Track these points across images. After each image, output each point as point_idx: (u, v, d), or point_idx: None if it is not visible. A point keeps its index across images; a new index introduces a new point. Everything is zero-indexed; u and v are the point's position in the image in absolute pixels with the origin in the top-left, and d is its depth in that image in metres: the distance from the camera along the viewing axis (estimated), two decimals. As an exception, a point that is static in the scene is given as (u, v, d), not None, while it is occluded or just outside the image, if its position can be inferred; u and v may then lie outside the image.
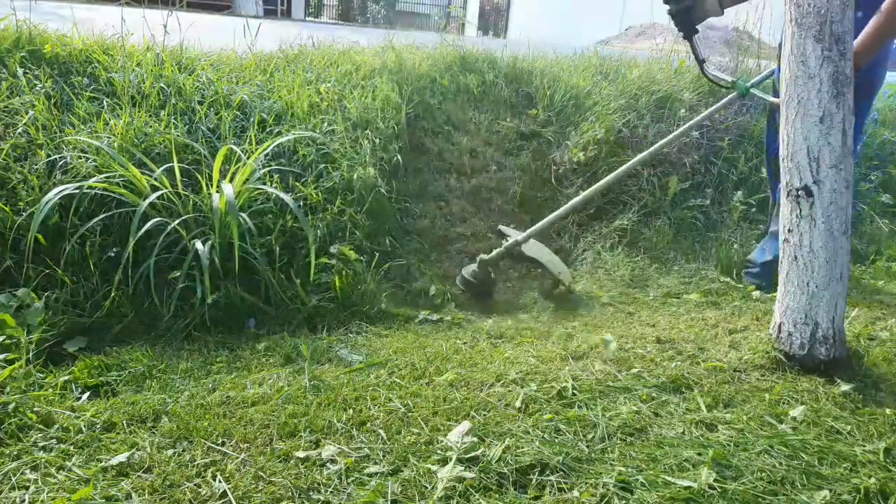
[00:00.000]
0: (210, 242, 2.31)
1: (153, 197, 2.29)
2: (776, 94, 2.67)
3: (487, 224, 3.32)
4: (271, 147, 2.71)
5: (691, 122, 3.02)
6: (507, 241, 2.91)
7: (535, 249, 2.98)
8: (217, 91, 3.02)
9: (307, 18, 14.34)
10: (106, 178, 2.33)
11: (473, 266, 2.90)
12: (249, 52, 3.55)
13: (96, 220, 2.28)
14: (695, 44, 2.71)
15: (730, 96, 2.89)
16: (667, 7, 2.62)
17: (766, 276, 2.77)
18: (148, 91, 2.86)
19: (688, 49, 2.81)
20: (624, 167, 2.97)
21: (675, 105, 3.86)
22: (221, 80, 3.12)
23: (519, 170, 3.55)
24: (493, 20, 16.88)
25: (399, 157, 3.20)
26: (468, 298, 2.87)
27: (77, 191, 2.28)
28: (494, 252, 2.86)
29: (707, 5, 2.57)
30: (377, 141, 3.15)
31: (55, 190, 2.22)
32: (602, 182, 2.95)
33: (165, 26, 3.12)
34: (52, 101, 2.68)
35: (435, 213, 3.27)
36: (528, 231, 2.92)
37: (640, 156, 2.97)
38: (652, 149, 2.99)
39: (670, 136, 3.02)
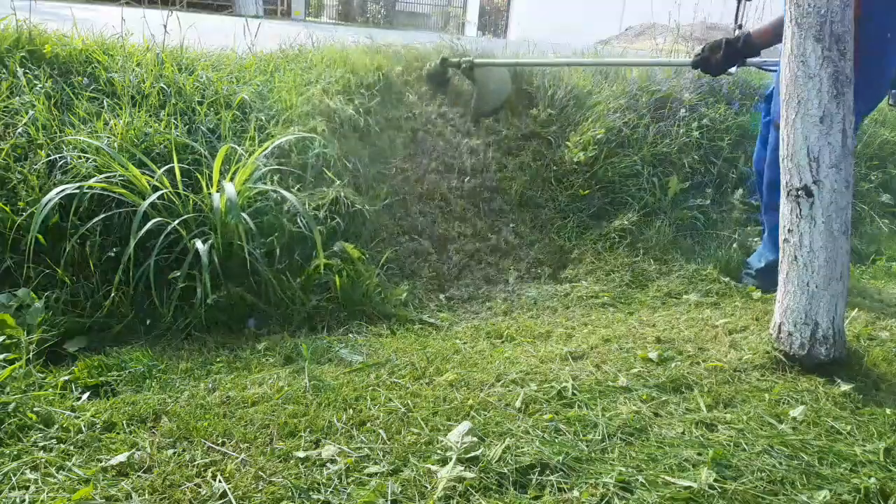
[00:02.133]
0: (210, 242, 2.31)
1: (153, 197, 2.28)
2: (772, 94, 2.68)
3: (487, 223, 3.32)
4: (271, 147, 2.71)
5: (651, 60, 3.33)
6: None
7: (487, 76, 3.56)
8: (217, 91, 3.02)
9: (307, 18, 14.33)
10: (106, 178, 2.33)
11: (437, 61, 3.68)
12: (249, 52, 3.55)
13: (96, 220, 2.28)
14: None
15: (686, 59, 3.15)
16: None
17: (763, 280, 2.77)
18: (148, 91, 2.86)
19: (688, 49, 2.82)
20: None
21: (675, 105, 3.86)
22: (221, 81, 3.12)
23: (519, 169, 3.55)
24: (493, 20, 16.87)
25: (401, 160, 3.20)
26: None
27: (77, 191, 2.27)
28: (455, 59, 3.62)
29: None
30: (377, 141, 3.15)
31: (55, 190, 2.21)
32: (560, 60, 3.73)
33: (165, 26, 3.12)
34: (52, 101, 2.68)
35: (435, 213, 3.27)
36: (487, 61, 3.63)
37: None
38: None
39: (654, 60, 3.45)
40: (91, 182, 2.29)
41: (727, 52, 2.56)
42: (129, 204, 2.34)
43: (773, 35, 2.43)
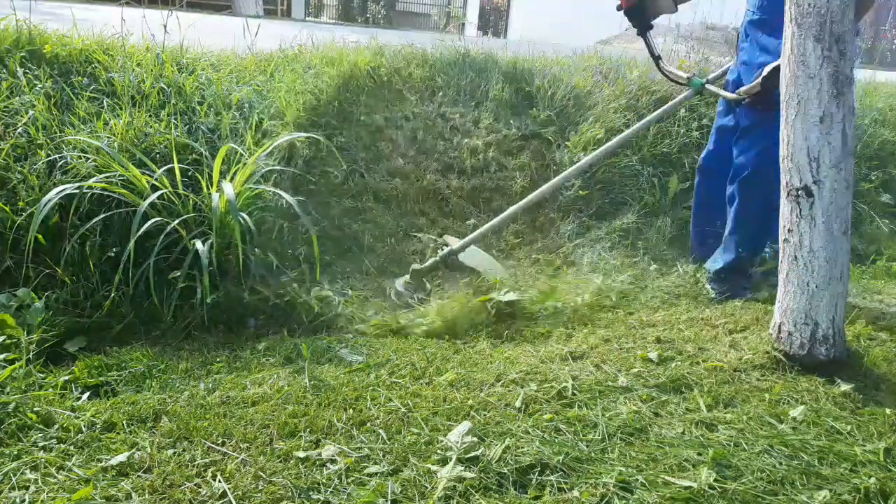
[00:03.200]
0: (210, 242, 2.31)
1: (153, 197, 2.28)
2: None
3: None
4: (271, 147, 2.71)
5: (638, 124, 2.97)
6: (442, 249, 2.80)
7: (474, 258, 2.85)
8: (217, 91, 3.02)
9: (307, 18, 14.33)
10: (106, 177, 2.33)
11: (406, 277, 2.76)
12: (249, 52, 3.55)
13: (96, 219, 2.27)
14: (649, 40, 2.69)
15: (684, 94, 2.82)
16: (617, 3, 2.59)
17: (723, 283, 2.72)
18: (148, 91, 2.86)
19: (687, 49, 2.81)
20: (558, 178, 2.95)
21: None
22: (221, 81, 3.12)
23: (519, 170, 3.55)
24: (494, 20, 16.87)
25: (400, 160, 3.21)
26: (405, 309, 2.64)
27: (77, 191, 2.27)
28: (428, 262, 2.77)
29: (661, 1, 2.55)
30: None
31: (55, 190, 2.21)
32: (537, 192, 2.90)
33: (165, 26, 3.12)
34: (52, 101, 2.68)
35: (434, 212, 3.28)
36: (464, 240, 2.81)
37: (574, 167, 2.96)
38: (584, 161, 2.95)
39: (614, 142, 2.93)
40: (91, 182, 2.29)
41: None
42: (128, 204, 2.34)
43: None
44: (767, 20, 2.51)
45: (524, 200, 2.89)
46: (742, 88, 2.47)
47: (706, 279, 2.84)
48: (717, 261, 2.77)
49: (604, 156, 3.02)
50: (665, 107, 2.98)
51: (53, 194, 2.19)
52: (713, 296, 2.74)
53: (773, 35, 2.47)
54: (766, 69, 2.35)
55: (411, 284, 2.74)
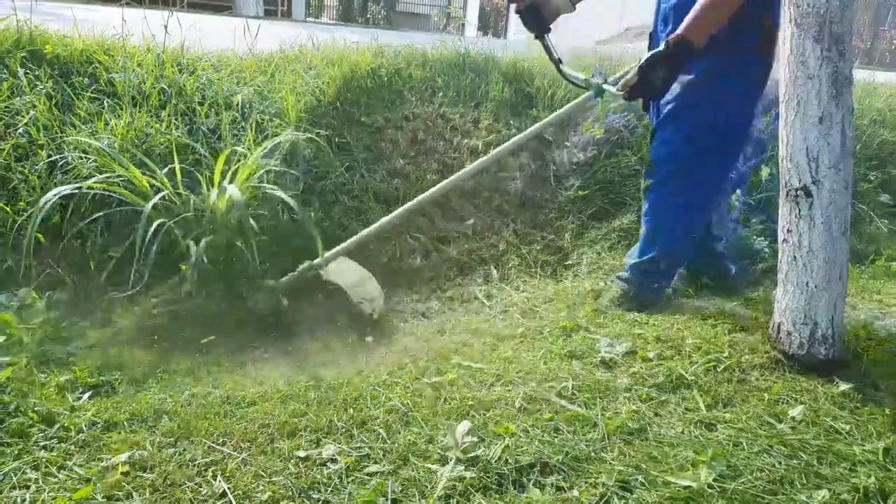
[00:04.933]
0: (210, 242, 2.32)
1: (156, 199, 2.28)
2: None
3: (487, 222, 3.32)
4: (271, 146, 2.72)
5: (539, 124, 2.76)
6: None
7: (342, 274, 2.58)
8: (217, 92, 3.02)
9: (307, 19, 14.34)
10: (106, 178, 2.33)
11: (259, 295, 2.46)
12: (250, 53, 3.55)
13: (97, 215, 2.27)
14: (548, 43, 2.49)
15: (583, 96, 2.62)
16: (513, 6, 2.40)
17: (635, 279, 2.59)
18: (149, 91, 2.87)
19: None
20: (453, 178, 2.75)
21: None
22: (222, 81, 3.12)
23: (519, 169, 3.55)
24: (493, 20, 16.88)
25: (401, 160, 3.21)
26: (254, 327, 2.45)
27: (77, 191, 2.28)
28: (287, 276, 2.52)
29: (557, 1, 2.38)
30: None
31: (54, 190, 2.22)
32: (420, 198, 2.70)
33: (166, 27, 3.12)
34: (53, 101, 2.69)
35: (434, 211, 3.28)
36: (330, 253, 2.54)
37: (474, 164, 2.77)
38: (486, 158, 2.78)
39: (508, 144, 2.79)
40: (90, 182, 2.28)
41: (674, 66, 2.09)
42: (129, 203, 2.34)
43: (704, 25, 2.05)
44: (686, 4, 2.23)
45: (401, 209, 2.67)
46: (621, 81, 2.22)
47: (617, 275, 2.71)
48: (632, 255, 2.66)
49: (493, 161, 2.83)
50: (563, 109, 2.78)
51: (52, 195, 2.20)
52: (617, 291, 2.61)
53: None
54: (643, 58, 2.12)
55: (264, 300, 2.45)
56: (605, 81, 2.35)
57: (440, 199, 3.35)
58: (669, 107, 2.41)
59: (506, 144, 2.78)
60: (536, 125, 2.81)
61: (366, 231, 2.63)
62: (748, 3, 2.08)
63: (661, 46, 2.09)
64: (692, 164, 2.40)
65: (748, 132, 2.49)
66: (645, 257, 2.56)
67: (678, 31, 2.06)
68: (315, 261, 2.50)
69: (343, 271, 2.61)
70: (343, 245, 2.59)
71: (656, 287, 2.61)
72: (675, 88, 2.34)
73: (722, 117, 2.32)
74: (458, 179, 2.81)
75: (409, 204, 2.70)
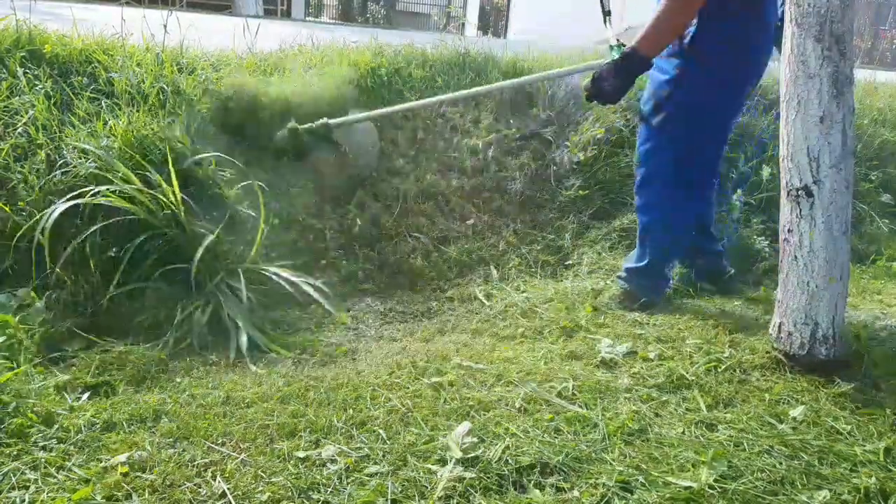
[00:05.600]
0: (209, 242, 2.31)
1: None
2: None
3: (487, 222, 3.32)
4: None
5: (547, 73, 2.90)
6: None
7: (349, 136, 3.09)
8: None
9: (307, 18, 14.34)
10: (106, 189, 2.29)
11: (284, 131, 3.01)
12: (249, 52, 3.54)
13: (95, 227, 2.26)
14: None
15: (597, 60, 2.67)
16: None
17: (633, 281, 2.62)
18: (148, 91, 2.86)
19: None
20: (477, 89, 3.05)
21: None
22: (221, 81, 3.12)
23: (519, 169, 3.55)
24: (493, 20, 16.87)
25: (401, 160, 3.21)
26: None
27: (81, 200, 2.26)
28: (306, 125, 2.99)
29: None
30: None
31: (59, 204, 2.19)
32: (455, 94, 3.07)
33: (165, 26, 3.12)
34: (52, 100, 2.68)
35: (434, 211, 3.27)
36: (344, 118, 3.03)
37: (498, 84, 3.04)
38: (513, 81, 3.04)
39: (524, 79, 3.06)
40: (90, 200, 2.25)
41: (623, 75, 2.21)
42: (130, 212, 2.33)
43: (657, 38, 2.17)
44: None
45: (427, 100, 3.08)
46: (583, 83, 2.35)
47: (617, 274, 2.73)
48: (629, 259, 2.70)
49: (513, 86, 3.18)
50: (578, 65, 2.88)
51: (54, 208, 2.17)
52: (619, 290, 2.64)
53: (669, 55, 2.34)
54: (603, 66, 2.24)
55: (286, 138, 3.00)
56: (612, 49, 2.42)
57: (439, 199, 3.35)
58: (647, 106, 2.44)
59: (519, 79, 3.09)
60: (541, 73, 2.97)
61: (379, 111, 3.09)
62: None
63: (619, 56, 2.21)
64: (672, 160, 2.41)
65: (727, 124, 2.49)
66: (640, 263, 2.59)
67: (631, 43, 2.18)
68: (332, 121, 2.99)
69: (351, 135, 3.11)
70: (355, 116, 3.07)
71: (652, 287, 2.61)
72: (650, 87, 2.41)
73: (696, 111, 2.33)
74: (485, 91, 3.13)
75: (431, 99, 3.07)
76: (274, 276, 2.41)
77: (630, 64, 2.18)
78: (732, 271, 2.86)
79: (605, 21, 2.59)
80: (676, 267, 2.78)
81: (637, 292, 2.59)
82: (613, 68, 2.20)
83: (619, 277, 2.69)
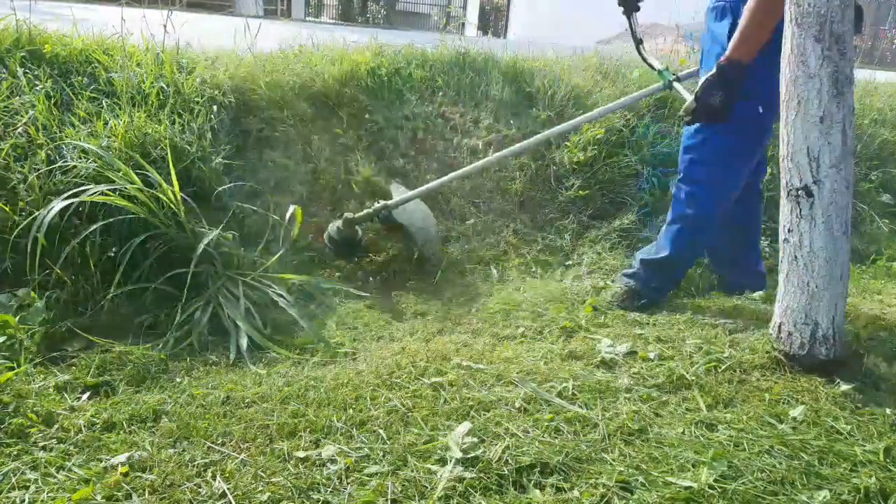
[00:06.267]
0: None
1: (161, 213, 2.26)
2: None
3: (487, 222, 3.32)
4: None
5: (606, 106, 2.85)
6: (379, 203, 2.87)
7: (410, 215, 2.91)
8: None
9: (307, 18, 14.34)
10: (107, 188, 2.30)
11: (339, 223, 2.87)
12: (249, 52, 3.55)
13: (95, 227, 2.26)
14: (633, 21, 2.63)
15: (653, 86, 2.72)
16: None
17: (643, 275, 2.60)
18: (147, 91, 2.86)
19: (688, 49, 2.78)
20: (530, 141, 2.93)
21: (676, 105, 3.85)
22: (221, 80, 3.12)
23: (519, 169, 3.55)
24: (493, 20, 16.86)
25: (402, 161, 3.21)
26: (333, 255, 2.89)
27: (77, 198, 2.26)
28: (363, 212, 2.86)
29: None
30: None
31: (57, 202, 2.19)
32: (505, 151, 2.94)
33: (165, 26, 3.12)
34: (52, 100, 2.68)
35: (434, 212, 3.27)
36: (400, 197, 2.87)
37: (546, 133, 2.93)
38: (556, 129, 2.93)
39: (577, 120, 2.91)
40: (90, 196, 2.26)
41: (727, 87, 2.18)
42: (130, 211, 2.33)
43: (750, 41, 2.13)
44: (722, 6, 2.38)
45: (469, 167, 2.94)
46: (684, 107, 2.32)
47: (622, 271, 2.72)
48: (646, 252, 2.68)
49: (558, 133, 3.01)
50: (631, 95, 2.87)
51: (53, 206, 2.17)
52: (621, 288, 2.62)
53: (721, 19, 2.36)
54: (700, 84, 2.23)
55: (343, 231, 2.84)
56: (678, 79, 2.49)
57: (439, 199, 3.35)
58: (698, 134, 2.41)
59: (574, 120, 2.93)
60: (601, 108, 2.88)
61: (433, 183, 2.94)
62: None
63: (714, 70, 2.19)
64: (723, 150, 2.38)
65: (770, 126, 2.45)
66: (659, 255, 2.57)
67: (727, 53, 2.17)
68: (390, 202, 2.85)
69: (411, 213, 2.93)
70: (409, 193, 2.90)
71: (657, 287, 2.60)
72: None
73: (751, 106, 2.29)
74: (535, 143, 2.98)
75: (482, 161, 2.98)
76: (271, 292, 2.39)
77: (730, 73, 2.16)
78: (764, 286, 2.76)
79: (638, 49, 2.65)
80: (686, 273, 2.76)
81: (641, 289, 2.58)
82: (716, 82, 2.18)
83: (624, 275, 2.68)
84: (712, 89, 2.19)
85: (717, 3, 2.41)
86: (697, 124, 2.37)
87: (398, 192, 3.03)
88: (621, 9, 2.61)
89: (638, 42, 2.65)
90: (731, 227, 2.65)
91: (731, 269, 2.81)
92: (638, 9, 2.60)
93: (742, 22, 2.13)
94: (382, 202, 2.85)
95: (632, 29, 2.63)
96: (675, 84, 2.54)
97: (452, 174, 2.93)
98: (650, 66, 2.68)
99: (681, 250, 2.55)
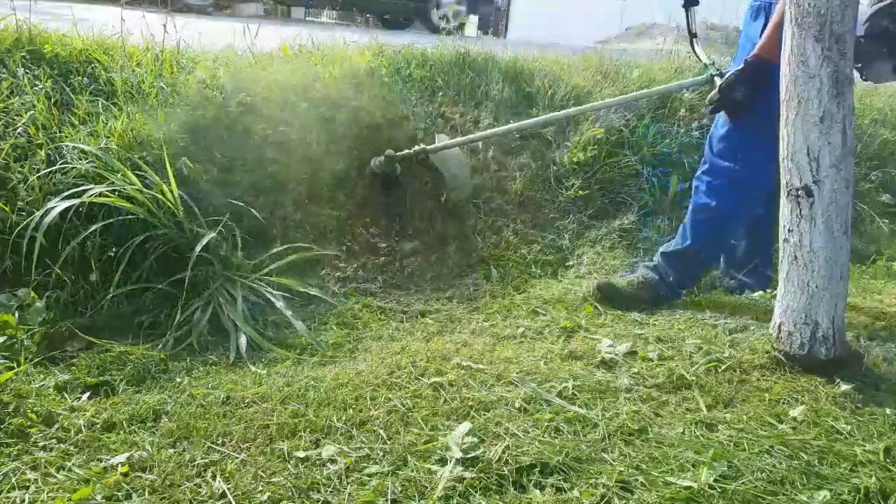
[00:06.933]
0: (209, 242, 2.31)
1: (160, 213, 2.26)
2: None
3: (487, 223, 3.32)
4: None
5: (647, 90, 3.03)
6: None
7: (446, 160, 3.16)
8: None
9: (307, 18, 14.33)
10: (107, 188, 2.29)
11: (381, 158, 3.10)
12: (249, 52, 3.54)
13: (95, 227, 2.26)
14: (690, 15, 2.70)
15: (698, 77, 2.81)
16: None
17: (661, 267, 2.63)
18: (147, 91, 2.86)
19: (687, 49, 2.81)
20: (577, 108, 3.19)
21: (676, 105, 3.85)
22: (221, 80, 3.11)
23: (519, 169, 3.55)
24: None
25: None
26: (374, 186, 3.14)
27: (77, 200, 2.26)
28: (403, 152, 3.09)
29: None
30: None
31: (55, 203, 2.19)
32: (528, 122, 3.21)
33: (165, 26, 3.11)
34: (52, 100, 2.68)
35: (434, 211, 3.27)
36: (441, 143, 3.13)
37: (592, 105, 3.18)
38: (601, 103, 3.14)
39: (622, 98, 3.10)
40: (90, 197, 2.25)
41: (750, 84, 2.25)
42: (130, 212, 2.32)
43: (772, 44, 2.18)
44: (758, 6, 2.45)
45: (515, 125, 3.23)
46: (709, 96, 2.41)
47: (643, 264, 2.74)
48: (668, 245, 2.70)
49: (591, 108, 3.30)
50: (677, 83, 3.02)
51: (52, 206, 2.17)
52: (639, 278, 2.63)
53: (756, 19, 2.42)
54: (726, 77, 2.31)
55: (384, 166, 3.10)
56: (721, 74, 2.53)
57: (440, 199, 3.35)
58: (733, 128, 2.43)
59: (616, 98, 3.22)
60: (641, 91, 3.12)
61: (472, 136, 3.27)
62: None
63: (741, 65, 2.27)
64: (738, 158, 2.42)
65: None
66: (680, 246, 2.59)
67: (754, 51, 2.26)
68: (430, 147, 3.09)
69: (447, 161, 3.19)
70: (451, 140, 3.17)
71: (673, 282, 2.61)
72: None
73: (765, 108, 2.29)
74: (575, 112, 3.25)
75: (521, 123, 3.25)
76: (269, 296, 2.39)
77: (756, 71, 2.24)
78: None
79: (691, 42, 2.72)
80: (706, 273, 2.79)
81: (657, 285, 2.59)
82: (743, 77, 2.26)
83: (645, 266, 2.70)
84: (737, 84, 2.28)
85: (755, 2, 2.48)
86: (724, 117, 2.43)
87: (440, 141, 3.25)
88: (682, 1, 2.68)
89: (692, 35, 2.72)
90: (753, 230, 2.72)
91: (739, 270, 2.84)
92: (697, 3, 2.67)
93: (774, 21, 2.18)
94: (423, 146, 3.09)
95: (688, 22, 2.70)
96: (717, 79, 2.59)
97: (490, 131, 3.22)
98: (698, 58, 2.78)
99: (701, 242, 2.57)
